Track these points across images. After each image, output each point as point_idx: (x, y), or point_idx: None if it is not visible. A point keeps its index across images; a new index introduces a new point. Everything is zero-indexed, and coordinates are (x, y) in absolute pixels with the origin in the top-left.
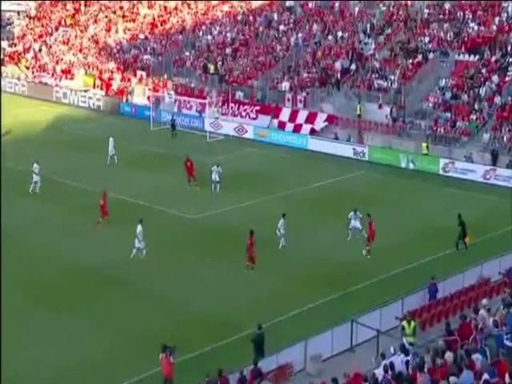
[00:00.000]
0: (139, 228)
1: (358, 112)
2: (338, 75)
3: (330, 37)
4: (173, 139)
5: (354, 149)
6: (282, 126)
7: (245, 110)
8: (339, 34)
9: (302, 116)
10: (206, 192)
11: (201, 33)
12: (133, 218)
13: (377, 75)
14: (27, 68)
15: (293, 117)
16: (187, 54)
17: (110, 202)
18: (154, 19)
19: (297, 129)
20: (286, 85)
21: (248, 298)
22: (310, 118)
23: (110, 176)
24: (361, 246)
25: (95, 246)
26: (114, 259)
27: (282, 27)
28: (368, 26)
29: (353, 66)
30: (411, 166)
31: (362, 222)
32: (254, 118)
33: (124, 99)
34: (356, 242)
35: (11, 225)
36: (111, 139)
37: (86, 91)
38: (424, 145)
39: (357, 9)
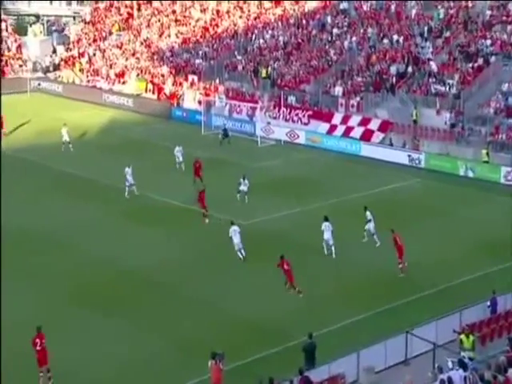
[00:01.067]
0: (236, 229)
1: (414, 117)
2: (393, 80)
3: (385, 40)
4: (221, 145)
5: (410, 155)
6: (331, 130)
7: (297, 115)
8: (395, 37)
9: (354, 121)
10: (255, 198)
11: (253, 36)
12: (182, 222)
13: (434, 80)
14: (82, 72)
15: (345, 121)
16: (239, 58)
17: (159, 206)
18: (206, 23)
19: (347, 132)
20: (338, 89)
21: (298, 305)
22: (364, 124)
23: (161, 180)
24: (411, 255)
25: (143, 249)
26: (162, 263)
27: (335, 30)
28: (425, 28)
29: (409, 71)
30: (470, 173)
31: (375, 222)
32: (306, 123)
33: (175, 103)
34: (411, 252)
35: (59, 227)
36: (178, 148)
37: (138, 95)
38: (484, 152)
39: (414, 11)
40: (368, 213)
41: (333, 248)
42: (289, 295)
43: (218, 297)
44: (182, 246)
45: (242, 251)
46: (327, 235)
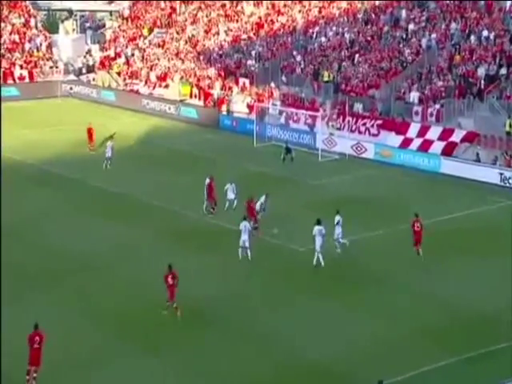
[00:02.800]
0: (247, 224)
1: (507, 129)
2: (482, 84)
3: (472, 37)
4: (284, 162)
5: (502, 174)
6: (406, 143)
7: (364, 125)
8: (484, 33)
9: (433, 133)
10: (314, 220)
11: (314, 34)
12: (234, 246)
13: None
14: (118, 74)
15: (422, 133)
16: (298, 58)
17: (206, 227)
18: (260, 19)
19: (425, 145)
20: (414, 95)
21: (364, 346)
22: (445, 136)
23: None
24: (504, 294)
25: (190, 277)
26: (211, 294)
27: (411, 26)
28: None
29: (501, 73)
30: None
31: (343, 229)
32: (375, 135)
33: (224, 111)
34: (504, 290)
35: (94, 250)
36: (230, 186)
37: (182, 101)
38: None
39: (509, 2)
40: (338, 217)
41: (320, 256)
42: (353, 334)
43: (273, 332)
44: (234, 274)
45: (248, 251)
46: (319, 242)
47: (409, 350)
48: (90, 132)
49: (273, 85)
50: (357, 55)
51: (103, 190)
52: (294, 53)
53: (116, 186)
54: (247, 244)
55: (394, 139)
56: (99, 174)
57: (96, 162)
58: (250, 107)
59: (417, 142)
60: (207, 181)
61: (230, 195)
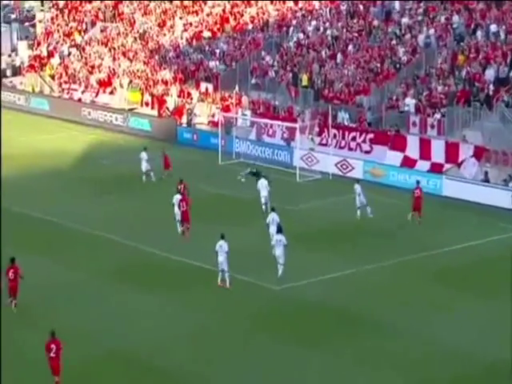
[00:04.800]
0: (223, 244)
1: None
2: (491, 88)
3: (478, 33)
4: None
5: None
6: (407, 163)
7: (353, 139)
8: (492, 28)
9: (435, 148)
10: (292, 253)
11: (290, 29)
12: (194, 286)
13: None
14: (53, 78)
15: (423, 150)
16: (270, 59)
17: (170, 265)
18: (224, 11)
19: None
20: (410, 102)
21: None
22: (450, 153)
23: (165, 229)
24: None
25: (138, 322)
26: (162, 342)
27: (406, 20)
28: None
29: None
30: None
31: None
32: (367, 152)
33: (183, 122)
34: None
35: (26, 292)
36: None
37: (131, 110)
38: None
39: None
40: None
41: (226, 276)
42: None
43: None
44: (189, 318)
45: (226, 275)
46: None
47: None
48: (166, 161)
49: (240, 90)
50: (341, 55)
51: (34, 218)
52: (266, 52)
53: (50, 215)
54: (226, 267)
55: (390, 157)
56: (30, 199)
57: (28, 184)
58: (211, 121)
59: (422, 164)
60: (178, 196)
61: (263, 192)
